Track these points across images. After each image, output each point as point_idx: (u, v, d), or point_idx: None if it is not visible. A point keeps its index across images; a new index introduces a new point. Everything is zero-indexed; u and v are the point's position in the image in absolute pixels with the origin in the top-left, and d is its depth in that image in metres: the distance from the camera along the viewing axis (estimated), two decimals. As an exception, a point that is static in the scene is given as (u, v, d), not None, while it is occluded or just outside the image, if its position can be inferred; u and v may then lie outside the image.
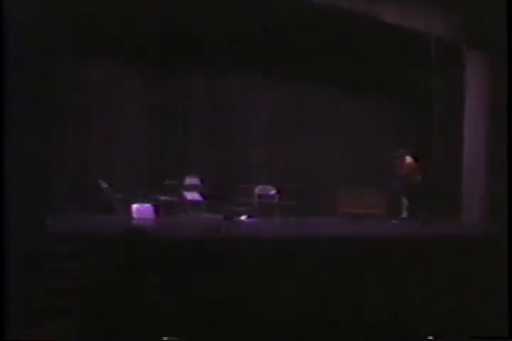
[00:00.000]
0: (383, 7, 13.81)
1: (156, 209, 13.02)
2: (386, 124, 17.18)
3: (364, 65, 15.75)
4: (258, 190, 14.84)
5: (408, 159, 14.31)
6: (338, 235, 10.94)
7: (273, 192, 14.76)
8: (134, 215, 12.69)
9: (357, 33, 14.69)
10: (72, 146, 13.70)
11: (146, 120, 14.79)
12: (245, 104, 16.10)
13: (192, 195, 14.25)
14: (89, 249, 7.82)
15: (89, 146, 14.00)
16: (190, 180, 14.47)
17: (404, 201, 14.10)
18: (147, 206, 12.94)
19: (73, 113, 13.70)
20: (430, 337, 7.04)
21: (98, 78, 14.10)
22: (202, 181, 14.51)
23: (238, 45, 14.43)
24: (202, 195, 14.28)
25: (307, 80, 16.00)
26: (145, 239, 7.67)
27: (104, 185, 13.41)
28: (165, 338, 6.76)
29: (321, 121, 16.91)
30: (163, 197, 13.69)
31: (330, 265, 8.61)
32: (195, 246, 8.46)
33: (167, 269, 7.30)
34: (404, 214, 14.08)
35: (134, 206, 12.84)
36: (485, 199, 14.96)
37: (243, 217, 13.75)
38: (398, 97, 16.84)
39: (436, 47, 15.85)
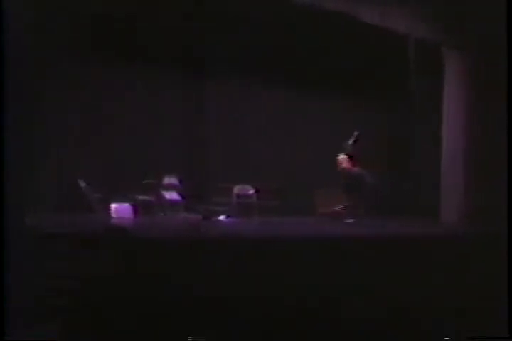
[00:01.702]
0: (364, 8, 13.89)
1: (135, 208, 13.00)
2: (365, 124, 17.26)
3: (345, 66, 15.96)
4: (236, 189, 14.81)
5: (342, 157, 13.70)
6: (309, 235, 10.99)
7: (251, 191, 14.79)
8: (113, 215, 12.64)
9: (337, 33, 15.03)
10: (50, 145, 13.56)
11: (124, 119, 14.69)
12: (225, 104, 16.08)
13: (170, 195, 14.23)
14: (65, 248, 7.80)
15: (69, 146, 13.90)
16: (168, 180, 14.43)
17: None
18: (126, 205, 12.91)
19: (54, 112, 13.55)
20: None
21: (78, 77, 14.01)
22: (180, 181, 14.50)
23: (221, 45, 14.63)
24: (180, 194, 14.27)
25: (288, 79, 16.00)
26: (124, 238, 7.98)
27: (83, 184, 13.29)
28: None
29: (301, 121, 17.02)
30: (141, 197, 13.66)
31: (303, 264, 8.63)
32: (173, 245, 8.43)
33: (144, 269, 7.48)
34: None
35: (113, 205, 12.80)
36: (464, 199, 15.15)
37: (222, 217, 13.71)
38: (378, 97, 17.04)
39: (415, 48, 16.05)
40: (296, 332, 7.70)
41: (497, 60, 13.99)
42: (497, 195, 13.83)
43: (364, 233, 11.74)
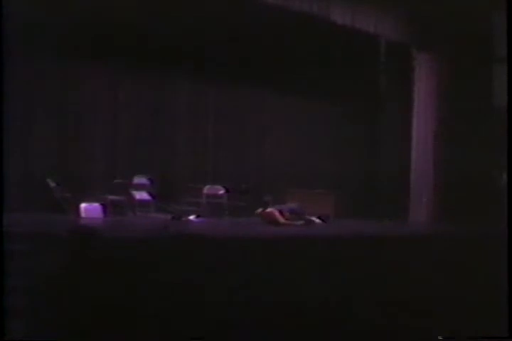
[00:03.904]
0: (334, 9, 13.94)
1: (105, 208, 13.00)
2: (333, 124, 17.48)
3: (315, 66, 15.90)
4: (207, 189, 14.75)
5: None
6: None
7: (221, 191, 14.69)
8: (83, 215, 12.65)
9: (308, 34, 15.15)
10: (20, 144, 13.46)
11: (94, 119, 14.67)
12: (194, 103, 16.04)
13: (140, 195, 14.19)
14: (32, 248, 7.82)
15: (39, 145, 13.81)
16: (138, 180, 14.38)
17: None
18: (95, 205, 12.92)
19: (21, 111, 13.37)
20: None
21: (50, 77, 13.96)
22: (150, 181, 14.42)
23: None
24: (150, 194, 14.21)
25: (253, 80, 15.97)
26: (92, 238, 7.89)
27: (52, 184, 13.25)
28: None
29: (270, 122, 17.01)
30: (111, 197, 13.62)
31: (271, 264, 8.58)
32: (141, 245, 8.46)
33: (111, 269, 7.46)
34: None
35: (83, 205, 12.79)
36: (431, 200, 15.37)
37: (192, 217, 13.66)
38: (347, 98, 17.01)
39: (385, 50, 16.41)
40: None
41: (467, 60, 14.26)
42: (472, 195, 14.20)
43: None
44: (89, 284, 7.13)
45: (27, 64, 13.14)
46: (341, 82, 16.39)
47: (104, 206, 13.05)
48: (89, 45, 13.60)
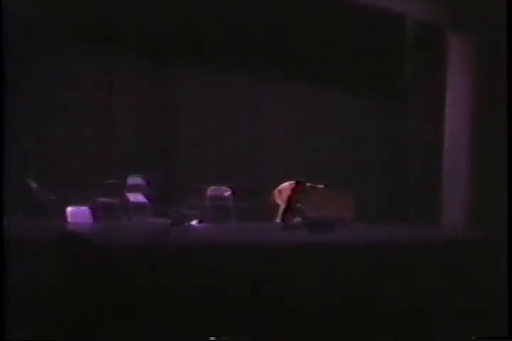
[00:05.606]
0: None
1: (94, 212, 12.36)
2: (359, 123, 17.34)
3: (338, 52, 15.71)
4: (210, 190, 14.22)
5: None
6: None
7: (228, 193, 14.16)
8: (69, 219, 12.10)
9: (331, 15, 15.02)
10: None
11: (87, 117, 14.42)
12: (195, 101, 15.73)
13: (135, 197, 13.64)
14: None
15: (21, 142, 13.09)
16: (133, 180, 13.79)
17: None
18: (83, 209, 12.32)
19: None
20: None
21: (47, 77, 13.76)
22: (147, 181, 13.86)
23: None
24: (147, 196, 13.61)
25: (269, 71, 15.54)
26: (79, 246, 7.75)
27: (34, 185, 12.76)
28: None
29: (279, 116, 16.65)
30: (102, 199, 13.22)
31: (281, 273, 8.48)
32: (137, 254, 8.12)
33: (103, 279, 7.36)
34: None
35: (69, 209, 12.24)
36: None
37: (193, 222, 13.14)
38: (373, 87, 16.85)
39: (416, 30, 16.28)
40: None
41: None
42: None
43: (356, 239, 11.72)
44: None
45: (27, 64, 13.05)
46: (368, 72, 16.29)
47: (93, 210, 12.45)
48: (89, 44, 13.63)
